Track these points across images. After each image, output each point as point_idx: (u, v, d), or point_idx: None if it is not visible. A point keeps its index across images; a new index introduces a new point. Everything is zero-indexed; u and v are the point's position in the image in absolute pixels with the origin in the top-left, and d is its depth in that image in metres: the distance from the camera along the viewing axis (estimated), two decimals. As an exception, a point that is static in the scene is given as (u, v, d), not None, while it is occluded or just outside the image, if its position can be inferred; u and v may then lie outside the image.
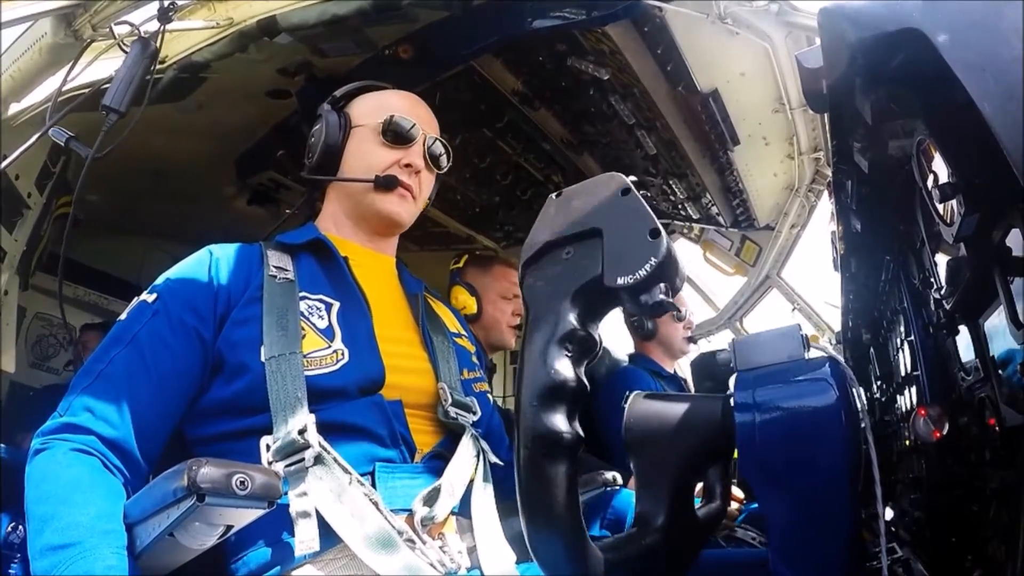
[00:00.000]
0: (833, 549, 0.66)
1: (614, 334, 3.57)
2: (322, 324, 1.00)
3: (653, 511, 0.68)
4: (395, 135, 1.15)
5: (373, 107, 1.18)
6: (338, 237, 1.16)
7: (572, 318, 0.60)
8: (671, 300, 0.59)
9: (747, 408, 0.66)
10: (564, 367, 0.59)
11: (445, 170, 1.24)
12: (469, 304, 2.12)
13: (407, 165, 1.15)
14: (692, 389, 2.32)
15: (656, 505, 0.69)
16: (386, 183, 1.13)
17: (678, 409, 0.72)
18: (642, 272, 0.58)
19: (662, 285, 0.59)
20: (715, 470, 0.85)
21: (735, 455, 0.72)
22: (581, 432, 0.59)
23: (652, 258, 0.58)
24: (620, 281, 0.59)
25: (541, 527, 0.59)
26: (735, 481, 0.97)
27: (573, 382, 0.59)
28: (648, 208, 0.61)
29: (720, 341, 3.59)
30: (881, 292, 1.39)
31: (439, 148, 1.21)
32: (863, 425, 0.68)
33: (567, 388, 0.59)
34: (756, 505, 2.03)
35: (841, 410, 0.64)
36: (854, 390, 0.67)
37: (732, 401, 0.68)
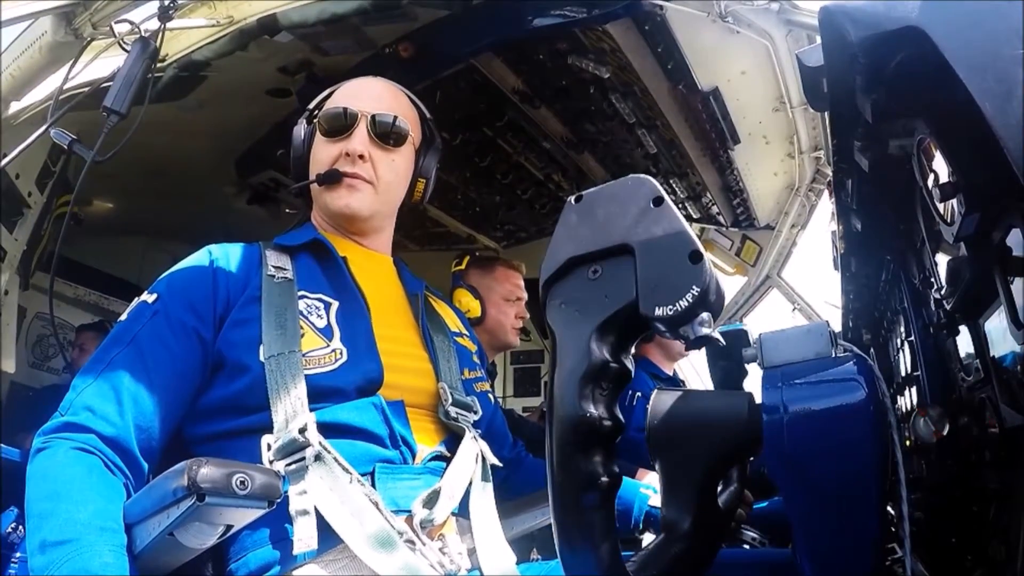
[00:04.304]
0: (859, 547, 0.66)
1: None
2: (321, 323, 1.00)
3: (680, 517, 0.66)
4: (330, 128, 1.13)
5: (326, 107, 1.17)
6: (335, 237, 1.15)
7: (603, 350, 0.55)
8: (716, 336, 0.54)
9: (775, 406, 0.64)
10: (596, 408, 0.55)
11: (403, 143, 1.14)
12: (473, 307, 2.09)
13: (348, 154, 1.10)
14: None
15: (683, 510, 0.66)
16: (327, 178, 1.10)
17: (703, 407, 0.70)
18: (683, 303, 0.53)
19: (705, 315, 0.53)
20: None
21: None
22: (619, 472, 0.56)
23: (694, 286, 0.53)
24: (659, 312, 0.54)
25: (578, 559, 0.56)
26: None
27: (608, 422, 0.55)
28: (685, 223, 0.55)
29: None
30: (881, 292, 1.38)
31: (387, 123, 1.12)
32: (890, 424, 0.67)
33: (602, 431, 0.54)
34: (761, 505, 2.02)
35: (871, 409, 0.63)
36: (882, 388, 0.66)
37: (759, 399, 0.67)
